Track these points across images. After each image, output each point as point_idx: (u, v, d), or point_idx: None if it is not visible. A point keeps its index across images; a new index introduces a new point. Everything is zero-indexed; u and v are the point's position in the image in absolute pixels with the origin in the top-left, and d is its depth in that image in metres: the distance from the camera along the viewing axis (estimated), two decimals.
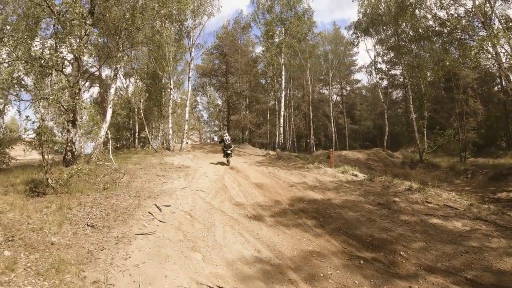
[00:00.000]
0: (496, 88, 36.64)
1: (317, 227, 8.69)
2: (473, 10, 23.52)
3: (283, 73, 29.19)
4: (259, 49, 47.38)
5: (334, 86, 45.61)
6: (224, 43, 38.35)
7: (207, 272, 6.07)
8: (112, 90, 16.73)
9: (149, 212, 8.63)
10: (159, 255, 6.41)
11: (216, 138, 43.34)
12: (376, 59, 34.52)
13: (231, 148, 17.26)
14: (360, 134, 46.62)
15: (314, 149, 36.02)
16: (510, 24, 24.29)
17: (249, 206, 10.18)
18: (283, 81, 29.50)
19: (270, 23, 29.18)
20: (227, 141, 17.23)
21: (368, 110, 47.85)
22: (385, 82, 39.07)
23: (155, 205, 9.33)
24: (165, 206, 9.40)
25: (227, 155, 17.09)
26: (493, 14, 23.82)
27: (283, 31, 29.40)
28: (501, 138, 33.13)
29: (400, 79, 36.11)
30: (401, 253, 7.34)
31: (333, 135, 38.43)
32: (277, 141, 29.03)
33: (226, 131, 19.22)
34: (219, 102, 45.77)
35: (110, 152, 15.13)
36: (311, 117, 36.77)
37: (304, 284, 6.15)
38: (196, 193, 11.02)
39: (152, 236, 7.24)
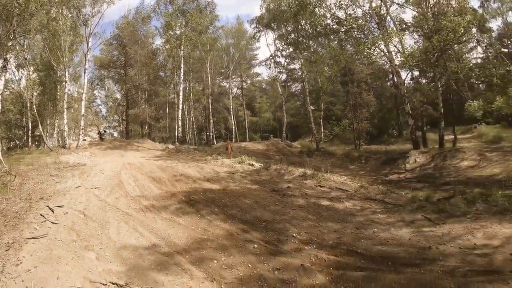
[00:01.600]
0: (388, 83, 39.52)
1: (212, 216, 8.67)
2: (370, 12, 25.23)
3: (182, 65, 28.87)
4: (159, 41, 46.31)
5: (234, 79, 46.02)
6: (124, 33, 36.74)
7: (101, 270, 5.78)
8: (1, 83, 15.19)
9: (41, 215, 8.05)
10: (51, 258, 6.00)
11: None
12: (276, 54, 35.43)
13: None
14: (260, 126, 47.68)
15: (215, 141, 36.21)
16: (404, 26, 26.54)
17: (144, 201, 9.90)
18: (182, 74, 29.17)
19: (170, 15, 28.69)
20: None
21: (268, 103, 49.09)
22: (284, 76, 40.29)
23: (48, 206, 8.72)
24: (58, 206, 8.81)
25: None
26: (388, 16, 25.81)
27: (184, 23, 29.04)
28: (393, 127, 36.07)
29: (298, 73, 37.43)
30: (294, 234, 7.59)
31: (233, 127, 38.86)
32: (176, 134, 28.69)
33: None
34: (118, 96, 43.80)
35: (0, 154, 13.84)
36: (211, 110, 36.82)
37: (197, 270, 6.10)
38: (90, 191, 10.47)
39: (44, 239, 6.76)
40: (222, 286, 5.64)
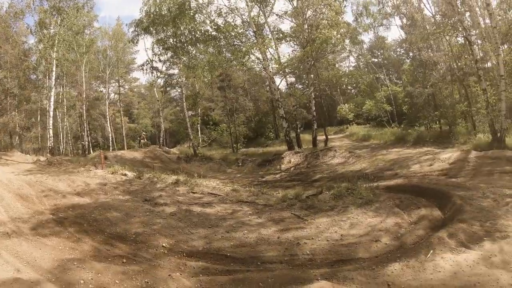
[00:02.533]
0: (265, 88, 41.02)
1: (80, 233, 8.21)
2: (248, 20, 25.98)
3: (54, 68, 26.99)
4: (32, 40, 42.57)
5: (112, 84, 44.11)
6: None
7: None
8: None
9: None
10: None
11: None
12: (153, 58, 34.73)
13: None
14: (139, 132, 46.43)
15: (91, 150, 34.40)
16: (281, 35, 27.86)
17: (9, 222, 8.96)
18: (53, 77, 27.27)
19: (45, 12, 26.60)
20: None
21: (146, 108, 47.93)
22: (162, 81, 39.65)
23: None
24: None
25: None
26: (266, 25, 26.85)
27: (58, 21, 27.12)
28: (270, 130, 37.65)
29: (177, 79, 37.08)
30: (164, 244, 7.52)
31: (110, 135, 37.37)
32: (48, 145, 26.77)
33: None
34: None
35: None
36: (85, 117, 34.92)
37: None
38: None
39: None
40: None
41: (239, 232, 8.30)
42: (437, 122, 26.61)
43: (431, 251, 6.51)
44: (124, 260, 6.76)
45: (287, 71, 29.50)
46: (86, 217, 9.25)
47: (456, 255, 6.34)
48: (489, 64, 25.42)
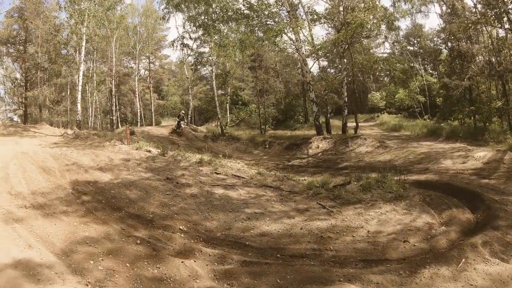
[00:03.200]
0: (297, 70, 40.29)
1: (97, 210, 7.94)
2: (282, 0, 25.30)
3: (84, 43, 26.94)
4: (63, 15, 42.84)
5: (142, 61, 44.15)
6: (27, 5, 33.11)
7: None
8: None
9: None
10: None
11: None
12: (184, 36, 34.35)
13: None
14: (168, 109, 46.41)
15: (119, 125, 34.59)
16: (315, 17, 27.03)
17: (29, 195, 8.83)
18: (83, 52, 27.27)
19: None
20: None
21: (176, 86, 47.86)
22: (193, 59, 39.35)
23: None
24: None
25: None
26: (300, 6, 26.10)
27: None
28: (299, 113, 37.00)
29: (208, 57, 36.70)
30: (181, 227, 7.16)
31: (139, 110, 37.44)
32: (76, 119, 26.94)
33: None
34: (18, 75, 39.68)
35: None
36: (114, 92, 35.03)
37: (72, 275, 5.42)
38: None
39: None
40: (88, 284, 5.11)
41: (260, 220, 7.84)
42: (472, 118, 25.34)
43: (463, 260, 5.90)
44: (138, 242, 6.43)
45: (320, 54, 28.75)
46: (105, 194, 9.03)
47: (490, 267, 5.69)
48: None
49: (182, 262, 5.69)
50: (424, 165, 14.70)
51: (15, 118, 39.27)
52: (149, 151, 13.54)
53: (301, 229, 7.46)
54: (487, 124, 23.18)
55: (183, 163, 11.55)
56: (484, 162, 13.48)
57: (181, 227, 7.14)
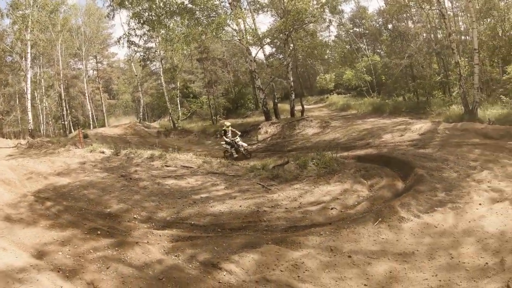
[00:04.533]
0: (246, 59, 41.10)
1: (61, 212, 8.81)
2: None
3: (29, 49, 26.91)
4: (6, 22, 41.89)
5: (89, 61, 43.67)
6: None
7: None
8: None
9: None
10: None
11: None
12: (130, 32, 34.53)
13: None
14: (119, 108, 46.30)
15: (72, 129, 34.61)
16: (258, 6, 28.01)
17: None
18: (29, 59, 27.25)
19: None
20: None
21: (126, 84, 47.71)
22: (141, 55, 39.42)
23: None
24: None
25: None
26: None
27: (31, 2, 26.88)
28: (249, 101, 38.11)
29: (155, 52, 36.95)
30: (135, 216, 8.26)
31: (90, 112, 37.46)
32: (28, 127, 27.03)
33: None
34: None
35: None
36: (64, 96, 34.94)
37: (46, 265, 6.29)
38: None
39: None
40: (67, 274, 5.99)
41: (206, 203, 9.06)
42: (415, 93, 27.24)
43: (379, 219, 7.27)
44: (99, 233, 7.46)
45: (266, 41, 29.80)
46: (66, 197, 9.87)
47: (404, 223, 7.10)
48: (468, 38, 26.29)
49: (136, 243, 6.81)
50: (366, 140, 15.92)
51: None
52: (103, 152, 14.30)
53: (240, 206, 8.73)
54: (430, 98, 24.93)
55: (135, 160, 12.48)
56: (420, 133, 14.87)
57: (135, 216, 8.25)
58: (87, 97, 36.68)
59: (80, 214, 8.62)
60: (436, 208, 7.54)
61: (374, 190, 9.39)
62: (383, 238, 6.76)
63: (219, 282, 5.74)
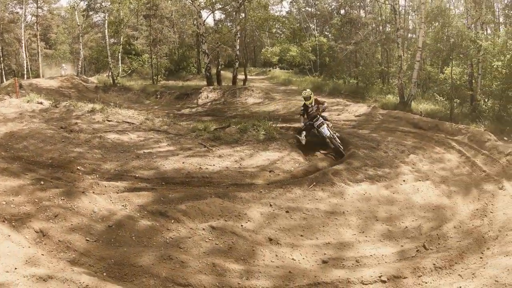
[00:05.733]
0: (194, 22, 40.13)
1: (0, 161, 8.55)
2: None
3: None
4: None
5: (29, 5, 40.44)
6: None
7: None
8: None
9: None
10: None
11: None
12: None
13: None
14: (56, 59, 43.89)
15: (4, 79, 32.58)
16: None
17: None
18: None
19: None
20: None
21: (65, 33, 45.12)
22: (85, 4, 37.29)
23: None
24: None
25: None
26: None
27: None
28: (192, 64, 37.61)
29: (102, 2, 35.09)
30: (79, 167, 8.18)
31: (24, 61, 35.31)
32: None
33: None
34: None
35: None
36: None
37: None
38: None
39: None
40: (13, 223, 5.89)
41: (149, 158, 9.13)
42: (355, 78, 28.21)
43: (314, 183, 7.80)
44: (42, 183, 7.30)
45: (217, 7, 29.44)
46: (4, 146, 9.39)
47: (335, 188, 7.80)
48: (414, 36, 27.71)
49: (83, 192, 6.83)
50: None
51: None
52: (41, 103, 13.69)
53: (183, 163, 8.92)
54: (369, 85, 26.13)
55: (76, 112, 12.09)
56: (356, 115, 15.69)
57: (79, 167, 8.15)
58: (23, 45, 34.41)
59: (20, 164, 8.31)
60: (364, 180, 8.40)
61: (310, 159, 9.99)
62: (316, 199, 7.33)
63: (168, 229, 5.98)
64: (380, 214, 6.87)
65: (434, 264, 5.17)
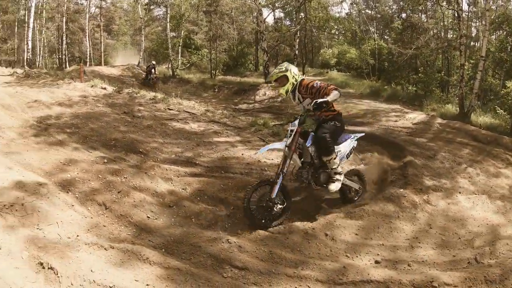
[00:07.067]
0: (253, 19, 40.80)
1: (65, 139, 9.07)
2: None
3: None
4: None
5: None
6: None
7: None
8: None
9: None
10: None
11: None
12: None
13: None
14: (118, 49, 45.85)
15: (67, 65, 34.42)
16: None
17: None
18: None
19: None
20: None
21: (127, 25, 47.06)
22: None
23: None
24: None
25: None
26: None
27: None
28: (250, 61, 38.20)
29: None
30: (141, 150, 8.60)
31: (88, 50, 37.17)
32: (25, 57, 26.89)
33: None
34: None
35: None
36: (64, 30, 34.61)
37: (55, 186, 6.59)
38: None
39: None
40: (77, 195, 6.32)
41: (208, 146, 9.45)
42: (414, 85, 27.60)
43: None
44: (105, 161, 7.79)
45: (276, 5, 29.83)
46: (69, 125, 10.13)
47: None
48: (477, 44, 26.80)
49: (145, 173, 7.18)
50: (361, 119, 16.43)
51: None
52: (105, 89, 14.47)
53: (242, 154, 9.12)
54: (428, 92, 25.40)
55: (138, 99, 12.73)
56: (414, 123, 15.27)
57: (141, 150, 8.59)
58: (86, 34, 36.32)
59: (84, 142, 8.91)
60: (421, 189, 8.08)
61: (365, 163, 9.92)
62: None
63: (228, 215, 6.20)
64: (434, 222, 6.75)
65: (485, 277, 5.05)
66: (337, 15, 38.22)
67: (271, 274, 4.87)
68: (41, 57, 33.62)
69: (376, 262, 5.53)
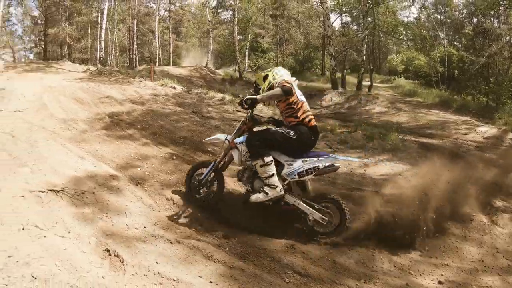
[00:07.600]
0: (320, 24, 40.75)
1: (136, 134, 9.47)
2: None
3: None
4: None
5: (162, 0, 44.61)
6: None
7: (37, 181, 6.18)
8: None
9: None
10: None
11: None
12: None
13: None
14: (186, 51, 47.28)
15: (137, 64, 35.85)
16: None
17: (70, 121, 10.17)
18: None
19: None
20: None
21: (195, 28, 48.46)
22: (214, 2, 40.02)
23: None
24: None
25: None
26: None
27: None
28: (317, 66, 38.00)
29: (230, 1, 37.28)
30: (209, 149, 8.77)
31: (158, 50, 38.57)
32: (98, 56, 28.29)
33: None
34: (36, 13, 40.42)
35: None
36: (135, 32, 36.15)
37: (125, 178, 6.87)
38: (15, 114, 10.56)
39: None
40: (146, 188, 6.61)
41: None
42: (486, 96, 26.18)
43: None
44: (174, 158, 8.03)
45: (344, 10, 29.56)
46: (140, 121, 10.58)
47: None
48: None
49: None
50: (430, 130, 16.01)
51: (31, 56, 40.24)
52: (174, 88, 14.91)
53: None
54: (499, 104, 23.91)
55: (207, 100, 13.01)
56: (484, 137, 14.58)
57: (209, 149, 8.77)
58: (156, 35, 37.75)
59: (154, 138, 9.25)
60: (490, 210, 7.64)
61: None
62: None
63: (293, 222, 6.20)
64: (502, 246, 6.35)
65: None
66: (405, 19, 37.22)
67: (333, 284, 4.82)
68: (112, 56, 35.29)
69: (440, 282, 5.32)
